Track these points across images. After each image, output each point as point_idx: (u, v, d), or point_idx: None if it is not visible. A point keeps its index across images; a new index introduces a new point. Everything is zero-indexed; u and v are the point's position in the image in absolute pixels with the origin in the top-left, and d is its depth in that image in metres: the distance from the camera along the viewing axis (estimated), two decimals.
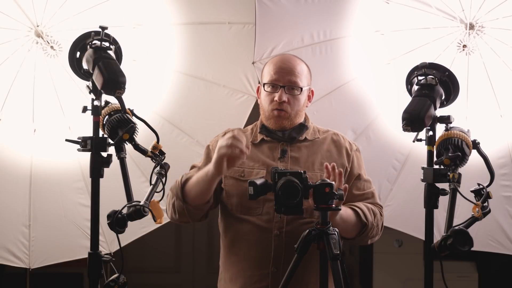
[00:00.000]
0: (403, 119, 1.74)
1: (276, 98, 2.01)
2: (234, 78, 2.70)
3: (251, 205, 1.99)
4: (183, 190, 1.97)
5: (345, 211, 1.92)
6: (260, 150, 2.07)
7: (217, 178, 1.87)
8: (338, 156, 2.07)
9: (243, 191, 1.97)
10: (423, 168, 1.80)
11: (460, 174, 1.73)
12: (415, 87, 1.86)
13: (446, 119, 1.80)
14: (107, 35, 1.77)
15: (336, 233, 1.77)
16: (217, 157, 1.80)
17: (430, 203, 1.77)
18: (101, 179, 1.73)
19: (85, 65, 1.77)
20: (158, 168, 1.73)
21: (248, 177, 1.99)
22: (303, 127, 2.09)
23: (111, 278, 1.69)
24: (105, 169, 1.74)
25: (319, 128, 2.16)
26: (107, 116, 1.75)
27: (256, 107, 2.24)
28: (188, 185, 1.96)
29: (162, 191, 1.72)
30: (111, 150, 1.74)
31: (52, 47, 2.49)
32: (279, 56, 2.18)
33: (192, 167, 2.13)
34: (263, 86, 2.08)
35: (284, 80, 2.03)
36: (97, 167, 1.72)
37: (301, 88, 2.04)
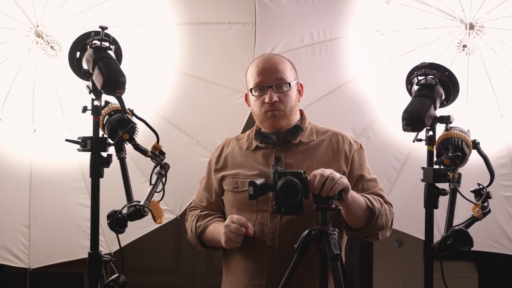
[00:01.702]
0: (403, 119, 1.74)
1: (266, 100, 1.97)
2: (234, 78, 2.70)
3: (244, 215, 1.96)
4: (201, 240, 2.07)
5: (354, 193, 1.87)
6: (254, 158, 2.04)
7: None
8: (334, 161, 2.01)
9: (238, 202, 1.99)
10: (423, 168, 1.79)
11: (460, 174, 1.73)
12: (415, 87, 1.85)
13: (446, 119, 1.80)
14: (107, 35, 1.77)
15: (336, 233, 1.77)
16: (226, 245, 1.93)
17: (430, 203, 1.76)
18: (101, 179, 1.73)
19: (85, 65, 1.76)
20: (158, 168, 1.73)
21: (242, 187, 1.99)
22: (298, 129, 2.04)
23: (111, 278, 1.68)
24: (105, 169, 1.73)
25: (319, 128, 2.10)
26: (107, 116, 1.75)
27: None
28: (204, 236, 2.06)
29: (162, 191, 1.72)
30: (111, 150, 1.74)
31: (52, 47, 2.49)
32: (258, 58, 2.12)
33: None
34: (251, 91, 2.04)
35: (270, 79, 1.99)
36: (97, 167, 1.71)
37: (289, 84, 2.01)
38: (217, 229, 1.99)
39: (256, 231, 1.96)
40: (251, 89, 2.04)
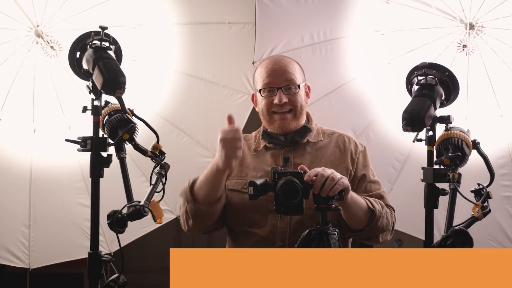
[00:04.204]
0: (403, 119, 1.73)
1: (276, 101, 1.97)
2: (234, 78, 2.70)
3: (254, 217, 1.97)
4: (193, 192, 1.94)
5: (354, 194, 1.86)
6: (263, 158, 2.03)
7: (226, 172, 1.87)
8: (341, 161, 2.02)
9: (248, 202, 1.89)
10: (423, 168, 1.79)
11: (460, 174, 1.72)
12: (415, 87, 1.85)
13: (446, 119, 1.79)
14: (107, 35, 1.77)
15: (336, 233, 1.77)
16: (225, 156, 1.80)
17: (430, 203, 1.76)
18: (101, 179, 1.73)
19: (85, 65, 1.76)
20: (158, 168, 1.72)
21: None
22: (306, 129, 2.04)
23: (111, 278, 1.68)
24: (105, 169, 1.73)
25: (324, 129, 2.10)
26: (107, 116, 1.74)
27: (255, 111, 2.21)
28: (196, 185, 1.94)
29: (162, 191, 1.71)
30: (111, 150, 1.74)
31: (52, 47, 2.49)
32: (267, 59, 2.12)
33: None
34: (259, 92, 2.02)
35: (280, 81, 1.98)
36: (97, 167, 1.71)
37: (298, 86, 2.00)
38: (209, 165, 1.90)
39: (266, 232, 1.95)
40: (259, 90, 2.02)
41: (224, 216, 2.04)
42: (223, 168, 1.83)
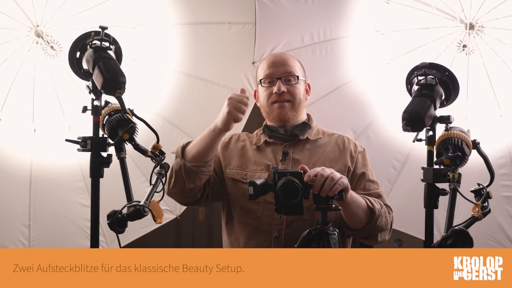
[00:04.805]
0: (403, 119, 1.73)
1: (275, 90, 2.02)
2: (234, 78, 2.70)
3: (250, 206, 1.99)
4: (184, 150, 1.98)
5: (353, 193, 1.87)
6: (263, 153, 2.07)
7: (223, 134, 1.92)
8: (340, 158, 2.05)
9: (244, 193, 1.95)
10: (423, 168, 1.79)
11: (460, 174, 1.72)
12: (415, 87, 1.85)
13: (446, 119, 1.79)
14: (107, 35, 1.77)
15: (336, 233, 1.77)
16: (227, 114, 1.87)
17: (430, 203, 1.76)
18: (101, 179, 1.73)
19: (85, 65, 1.76)
20: (158, 168, 1.73)
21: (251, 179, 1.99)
22: (305, 125, 2.09)
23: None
24: (105, 169, 1.73)
25: (325, 130, 2.14)
26: (107, 116, 1.74)
27: (256, 110, 2.23)
28: (190, 145, 1.98)
29: (162, 191, 1.72)
30: (111, 150, 1.74)
31: (52, 47, 2.49)
32: (270, 55, 2.21)
33: None
34: (260, 83, 2.08)
35: (280, 71, 2.04)
36: (97, 167, 1.71)
37: (297, 77, 2.05)
38: (210, 126, 1.95)
39: (263, 223, 1.97)
40: (260, 80, 2.08)
41: (225, 207, 2.07)
42: (221, 128, 1.89)
